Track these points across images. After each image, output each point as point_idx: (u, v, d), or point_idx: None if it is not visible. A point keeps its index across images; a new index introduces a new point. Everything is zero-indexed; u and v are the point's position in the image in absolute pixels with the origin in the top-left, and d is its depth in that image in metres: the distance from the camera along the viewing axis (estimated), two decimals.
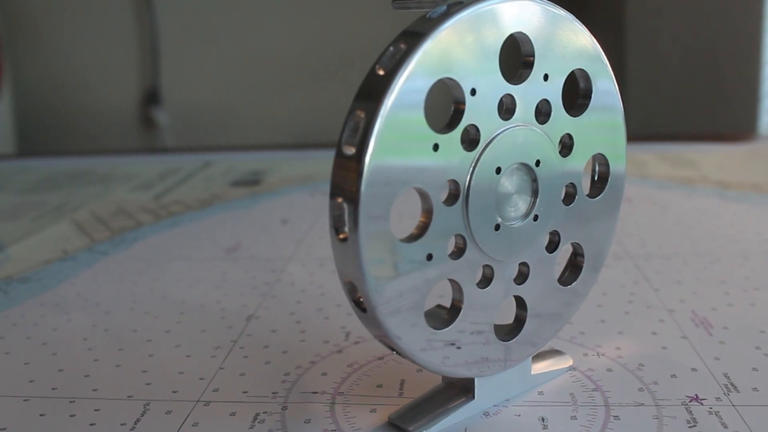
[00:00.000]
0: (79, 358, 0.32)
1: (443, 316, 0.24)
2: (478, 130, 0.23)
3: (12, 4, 1.45)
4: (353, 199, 0.21)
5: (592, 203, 0.27)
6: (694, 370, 0.28)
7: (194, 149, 0.84)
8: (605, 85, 0.26)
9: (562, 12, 0.24)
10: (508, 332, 0.26)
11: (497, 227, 0.24)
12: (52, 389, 0.29)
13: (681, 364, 0.29)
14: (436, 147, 0.22)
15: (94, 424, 0.26)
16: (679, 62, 1.10)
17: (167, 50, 1.47)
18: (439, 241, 0.23)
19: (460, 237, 0.24)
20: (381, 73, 0.21)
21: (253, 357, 0.31)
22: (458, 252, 0.24)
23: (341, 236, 0.22)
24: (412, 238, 0.23)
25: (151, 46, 1.47)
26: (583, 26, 0.25)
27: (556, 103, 0.25)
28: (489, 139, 0.23)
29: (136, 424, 0.26)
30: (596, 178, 0.28)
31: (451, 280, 0.24)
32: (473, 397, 0.26)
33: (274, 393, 0.28)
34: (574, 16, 0.25)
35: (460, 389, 0.27)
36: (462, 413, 0.26)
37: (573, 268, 0.28)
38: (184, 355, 0.31)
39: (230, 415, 0.27)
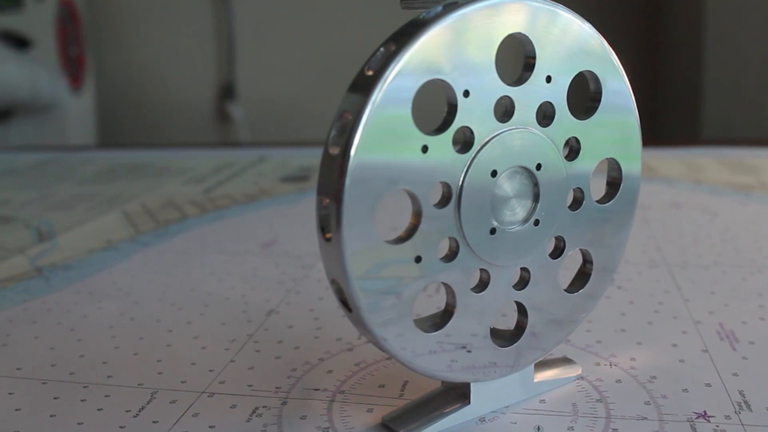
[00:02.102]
0: (101, 344, 0.33)
1: (435, 319, 0.24)
2: (472, 132, 0.23)
3: (97, 1, 1.51)
4: (337, 198, 0.21)
5: (602, 209, 0.26)
6: (708, 385, 0.27)
7: (267, 144, 0.85)
8: (616, 86, 0.26)
9: (567, 12, 0.24)
10: (507, 338, 0.26)
11: (493, 231, 0.24)
12: (70, 374, 0.30)
13: (695, 379, 0.28)
14: (425, 149, 0.22)
15: (102, 409, 0.27)
16: (758, 64, 1.06)
17: (243, 46, 1.50)
18: (428, 243, 0.23)
19: (454, 240, 0.23)
20: (369, 73, 0.21)
21: (264, 351, 0.31)
22: (451, 255, 0.24)
23: (327, 236, 0.22)
24: (400, 240, 0.22)
25: (228, 43, 1.51)
26: (591, 26, 0.24)
27: (561, 106, 0.24)
28: (484, 142, 0.23)
29: (140, 411, 0.27)
30: (608, 182, 0.27)
31: (444, 284, 0.24)
32: (469, 402, 0.26)
33: (277, 388, 0.28)
34: (580, 16, 0.24)
35: (459, 394, 0.26)
36: (456, 418, 0.26)
37: (581, 275, 0.27)
38: (199, 346, 0.32)
39: (231, 407, 0.27)
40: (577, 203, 0.26)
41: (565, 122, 0.25)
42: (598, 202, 0.26)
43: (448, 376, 0.25)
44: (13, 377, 0.30)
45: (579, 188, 0.26)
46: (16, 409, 0.28)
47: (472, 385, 0.26)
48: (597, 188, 0.26)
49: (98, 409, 0.27)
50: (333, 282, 0.23)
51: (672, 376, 0.28)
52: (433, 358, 0.24)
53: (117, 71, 1.55)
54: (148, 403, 0.28)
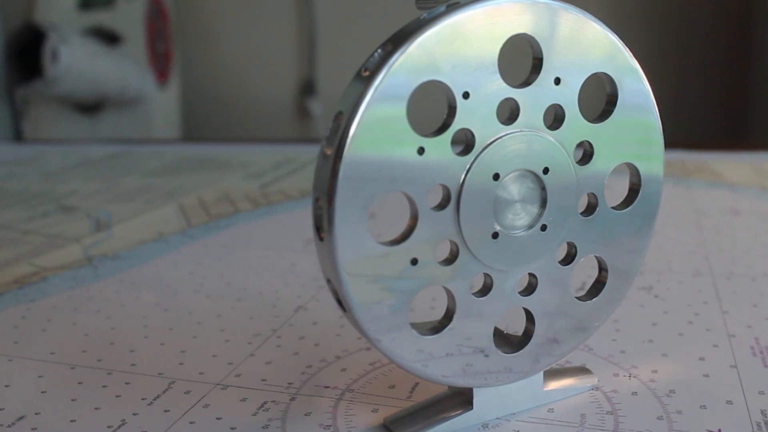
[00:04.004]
0: (132, 333, 0.34)
1: (433, 323, 0.24)
2: (473, 134, 0.22)
3: None
4: (329, 198, 0.21)
5: (618, 215, 0.26)
6: (729, 402, 0.26)
7: None
8: (634, 87, 0.25)
9: (577, 12, 0.23)
10: (514, 345, 0.25)
11: (495, 235, 0.23)
12: (98, 360, 0.31)
13: (717, 395, 0.27)
14: (421, 150, 0.22)
15: (120, 396, 0.28)
16: None
17: (324, 43, 1.52)
18: (425, 246, 0.23)
19: (454, 243, 0.23)
20: (366, 74, 0.21)
21: (284, 347, 0.32)
22: (450, 259, 0.23)
23: (321, 236, 0.22)
24: (395, 241, 0.22)
25: (309, 39, 1.53)
26: (605, 26, 0.24)
27: (571, 109, 0.24)
28: (485, 144, 0.23)
29: (154, 400, 0.28)
30: (629, 188, 0.26)
31: (445, 288, 0.24)
32: (471, 408, 0.25)
33: (289, 383, 0.29)
34: (593, 16, 0.24)
35: (464, 399, 0.26)
36: (457, 423, 0.25)
37: (596, 284, 0.26)
38: (224, 339, 0.33)
39: (241, 400, 0.28)
40: (590, 209, 0.25)
41: (577, 125, 0.24)
42: (614, 208, 0.26)
43: (451, 381, 0.25)
44: (45, 361, 0.31)
45: (593, 193, 0.25)
46: (42, 392, 0.29)
47: (475, 390, 0.25)
48: (621, 193, 0.26)
49: (116, 396, 0.28)
50: (328, 282, 0.23)
51: (692, 391, 0.27)
52: (430, 362, 0.24)
53: (201, 67, 1.59)
54: (164, 392, 0.28)
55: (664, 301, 0.35)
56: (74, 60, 1.33)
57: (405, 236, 0.22)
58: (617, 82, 0.24)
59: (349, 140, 0.21)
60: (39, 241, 0.48)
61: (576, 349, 0.27)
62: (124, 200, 0.57)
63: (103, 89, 1.43)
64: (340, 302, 0.23)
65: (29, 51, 1.30)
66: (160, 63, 1.50)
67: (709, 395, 0.27)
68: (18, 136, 1.48)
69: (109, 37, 1.47)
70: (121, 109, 1.49)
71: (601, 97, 0.25)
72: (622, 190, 0.26)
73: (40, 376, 0.30)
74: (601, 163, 0.25)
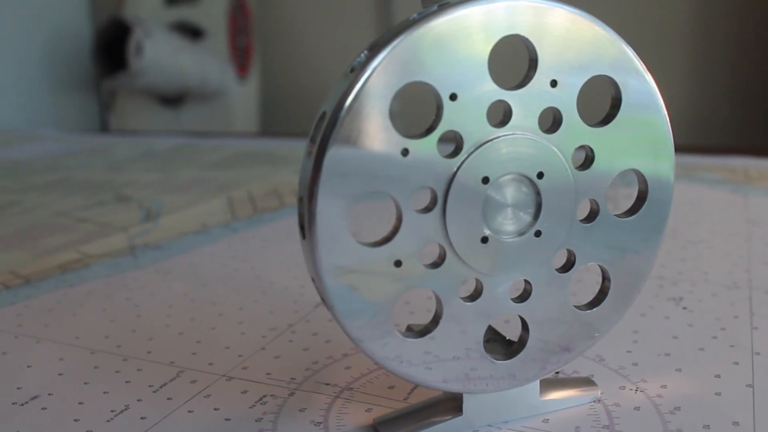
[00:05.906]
0: (155, 322, 0.35)
1: (419, 326, 0.24)
2: (460, 136, 0.22)
3: None
4: (310, 197, 0.21)
5: (622, 223, 0.25)
6: (735, 424, 0.25)
7: (410, 136, 0.86)
8: (640, 87, 0.24)
9: (574, 11, 0.22)
10: (505, 352, 0.25)
11: (485, 240, 0.23)
12: (117, 346, 0.32)
13: (724, 415, 0.25)
14: (405, 152, 0.22)
15: (129, 382, 0.29)
16: None
17: None
18: (410, 248, 0.22)
19: (441, 247, 0.23)
20: (350, 74, 0.21)
21: (296, 342, 0.32)
22: (438, 262, 0.23)
23: (304, 235, 0.22)
24: (377, 243, 0.22)
25: None
26: (605, 26, 0.23)
27: (569, 112, 0.23)
28: (474, 147, 0.22)
29: (160, 387, 0.29)
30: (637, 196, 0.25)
31: (433, 292, 0.23)
32: (461, 413, 0.25)
33: (292, 379, 0.29)
34: (593, 16, 0.23)
35: (458, 404, 0.26)
36: (445, 428, 0.25)
37: (598, 293, 0.25)
38: (240, 332, 0.33)
39: (242, 393, 0.28)
40: (591, 216, 0.24)
41: (575, 129, 0.23)
42: (618, 216, 0.25)
43: (446, 387, 0.24)
44: (69, 344, 0.33)
45: (594, 200, 0.24)
46: (60, 374, 0.30)
47: (465, 396, 0.25)
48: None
49: (126, 381, 0.29)
50: (313, 281, 0.23)
51: (699, 410, 0.26)
52: (410, 365, 0.23)
53: (281, 62, 1.62)
54: (171, 380, 0.29)
55: (692, 314, 0.33)
56: (158, 53, 1.38)
57: (388, 238, 0.22)
58: (620, 84, 0.23)
59: (331, 139, 0.21)
60: (90, 229, 0.50)
61: (578, 357, 0.26)
62: (178, 192, 0.59)
63: (185, 82, 1.48)
64: (324, 301, 0.23)
65: (115, 45, 1.36)
66: (241, 57, 1.54)
67: (715, 414, 0.25)
68: (104, 127, 1.54)
69: (192, 32, 1.52)
70: (203, 102, 1.53)
71: (603, 99, 0.24)
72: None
73: (60, 359, 0.31)
74: (603, 167, 0.24)
